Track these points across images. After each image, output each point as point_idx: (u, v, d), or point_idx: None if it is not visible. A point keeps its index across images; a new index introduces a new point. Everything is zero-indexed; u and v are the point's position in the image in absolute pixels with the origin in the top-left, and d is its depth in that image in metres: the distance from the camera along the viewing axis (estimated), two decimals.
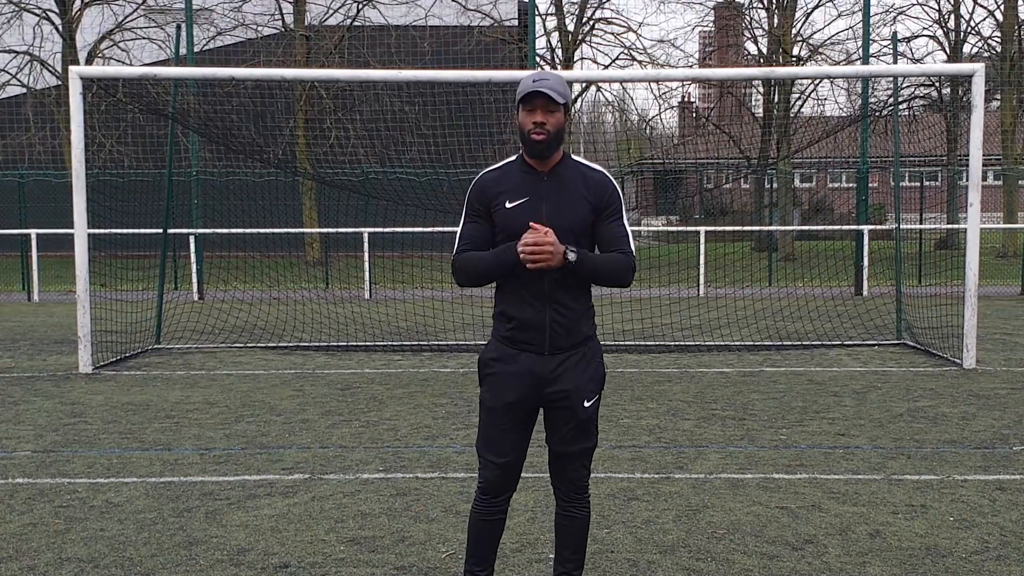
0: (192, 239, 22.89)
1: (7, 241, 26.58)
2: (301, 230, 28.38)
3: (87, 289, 12.47)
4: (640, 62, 35.19)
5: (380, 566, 5.41)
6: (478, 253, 4.38)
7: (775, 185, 33.34)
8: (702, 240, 23.75)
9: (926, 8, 46.84)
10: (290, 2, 32.84)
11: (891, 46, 24.60)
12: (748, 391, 10.78)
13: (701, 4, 40.90)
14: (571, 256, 4.22)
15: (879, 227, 24.99)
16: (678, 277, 21.95)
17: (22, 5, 33.28)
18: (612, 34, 36.30)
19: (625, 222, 4.47)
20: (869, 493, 6.75)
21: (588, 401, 4.43)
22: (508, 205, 4.35)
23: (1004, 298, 22.56)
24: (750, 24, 38.90)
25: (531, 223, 4.22)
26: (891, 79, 21.93)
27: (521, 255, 4.18)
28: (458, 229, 4.48)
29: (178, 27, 20.64)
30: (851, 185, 37.51)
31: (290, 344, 14.63)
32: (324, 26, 33.05)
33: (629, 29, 36.70)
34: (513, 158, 4.52)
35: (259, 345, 14.60)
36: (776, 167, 32.04)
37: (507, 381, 4.39)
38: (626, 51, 35.63)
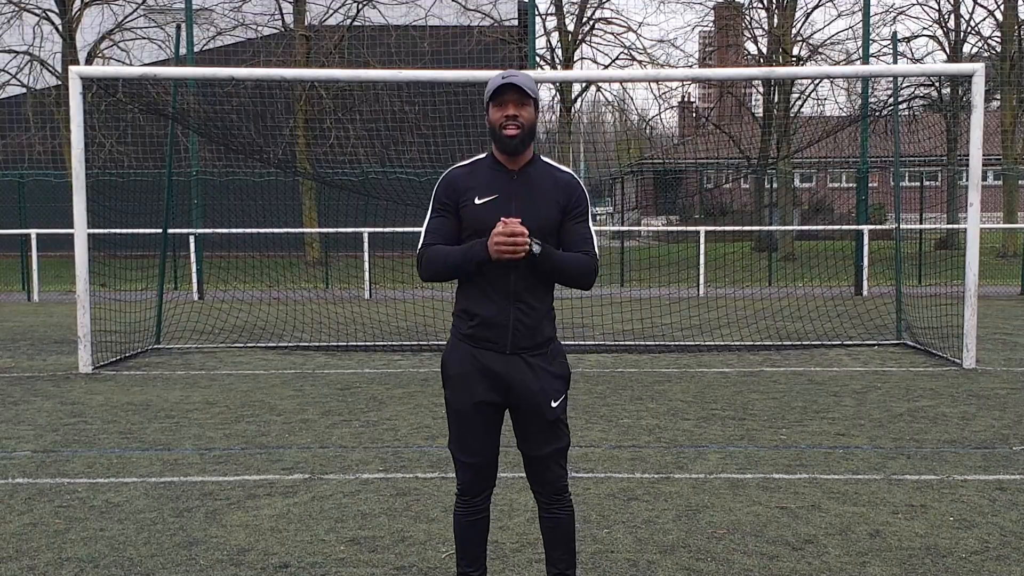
0: (192, 239, 22.90)
1: (7, 241, 26.60)
2: (301, 230, 28.38)
3: (87, 289, 12.47)
4: (640, 62, 35.21)
5: (380, 566, 5.41)
6: (446, 247, 4.34)
7: (775, 185, 33.35)
8: (702, 240, 23.75)
9: (926, 8, 46.94)
10: (290, 2, 32.84)
11: (891, 46, 24.63)
12: (748, 391, 10.78)
13: (701, 4, 40.93)
14: (535, 248, 4.19)
15: (879, 227, 24.98)
16: (678, 277, 21.95)
17: (22, 5, 33.28)
18: (612, 34, 36.35)
19: (590, 224, 4.47)
20: (869, 493, 6.75)
21: (555, 401, 4.40)
22: (477, 201, 4.33)
23: (1004, 298, 22.56)
24: (750, 24, 38.93)
25: (503, 217, 4.18)
26: (891, 79, 21.90)
27: (494, 247, 4.14)
28: (424, 224, 4.45)
29: (178, 27, 20.64)
30: (851, 185, 37.54)
31: (290, 344, 14.63)
32: (324, 26, 33.05)
33: (629, 29, 36.82)
34: (482, 156, 4.50)
35: (259, 345, 14.60)
36: (776, 167, 32.04)
37: (469, 382, 4.37)
38: (626, 51, 35.67)
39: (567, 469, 4.57)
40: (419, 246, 4.42)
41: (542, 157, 4.51)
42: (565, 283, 4.39)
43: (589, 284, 4.42)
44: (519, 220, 4.17)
